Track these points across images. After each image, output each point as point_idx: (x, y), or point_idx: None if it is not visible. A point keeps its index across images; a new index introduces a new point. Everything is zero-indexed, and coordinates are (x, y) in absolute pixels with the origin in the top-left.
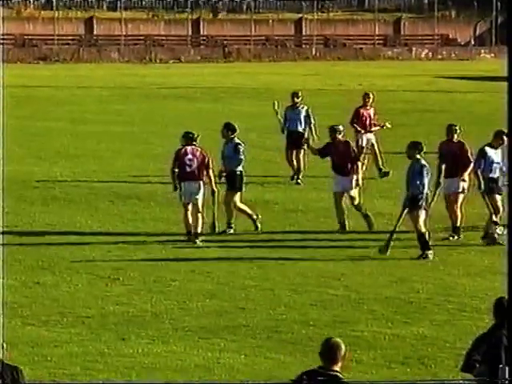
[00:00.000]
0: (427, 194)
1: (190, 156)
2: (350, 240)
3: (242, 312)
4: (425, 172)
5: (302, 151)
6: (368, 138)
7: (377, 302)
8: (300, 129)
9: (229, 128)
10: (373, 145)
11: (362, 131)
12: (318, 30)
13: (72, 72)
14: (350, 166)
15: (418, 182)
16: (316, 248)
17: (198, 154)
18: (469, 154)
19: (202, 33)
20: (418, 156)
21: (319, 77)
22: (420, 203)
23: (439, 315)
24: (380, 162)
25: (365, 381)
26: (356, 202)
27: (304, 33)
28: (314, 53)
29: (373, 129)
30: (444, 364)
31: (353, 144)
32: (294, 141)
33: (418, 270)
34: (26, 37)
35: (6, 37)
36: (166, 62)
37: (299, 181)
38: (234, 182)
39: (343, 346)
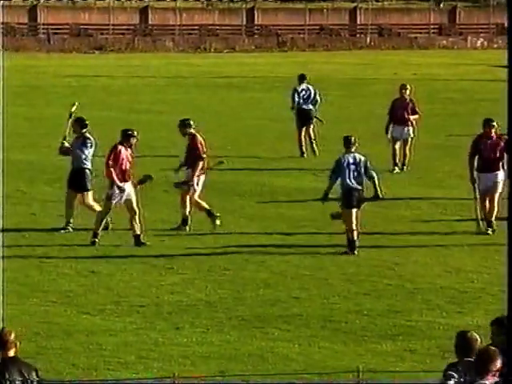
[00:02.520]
0: (361, 190)
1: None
2: (404, 229)
3: (296, 301)
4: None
5: (312, 126)
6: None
7: (431, 292)
8: (310, 107)
9: (79, 123)
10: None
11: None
12: (373, 19)
13: (126, 62)
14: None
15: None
16: (370, 237)
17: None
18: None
19: (256, 22)
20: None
21: (373, 66)
22: (351, 200)
23: (494, 305)
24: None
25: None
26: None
27: (358, 22)
28: (368, 42)
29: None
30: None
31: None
32: (305, 118)
33: (473, 260)
34: (81, 26)
35: (61, 26)
36: (220, 51)
37: (305, 154)
38: (82, 180)
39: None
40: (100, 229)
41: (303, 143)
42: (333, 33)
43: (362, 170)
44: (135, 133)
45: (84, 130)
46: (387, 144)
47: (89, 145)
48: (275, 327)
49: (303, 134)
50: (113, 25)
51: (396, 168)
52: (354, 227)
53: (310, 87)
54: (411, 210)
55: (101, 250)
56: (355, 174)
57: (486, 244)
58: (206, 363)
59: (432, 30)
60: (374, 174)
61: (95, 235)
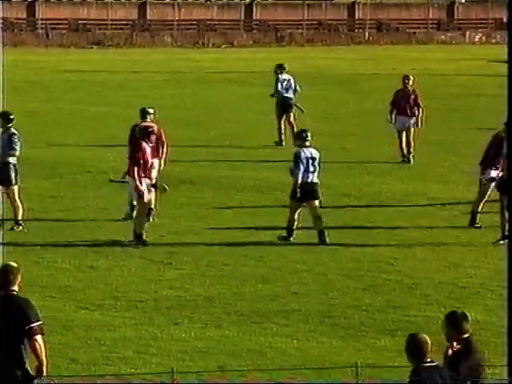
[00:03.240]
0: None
1: None
2: (403, 224)
3: (295, 297)
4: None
5: (292, 115)
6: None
7: (430, 287)
8: (291, 95)
9: (4, 118)
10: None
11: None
12: (371, 15)
13: (125, 57)
14: None
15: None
16: (368, 233)
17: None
18: None
19: (254, 17)
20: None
21: (372, 61)
22: (303, 193)
23: (492, 300)
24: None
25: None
26: None
27: (357, 17)
28: (366, 37)
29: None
30: (497, 349)
31: None
32: (286, 106)
33: (472, 255)
34: (79, 21)
35: (59, 22)
36: (218, 46)
37: (283, 143)
38: (7, 174)
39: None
40: (143, 231)
41: (283, 131)
42: (331, 28)
43: (318, 165)
44: (155, 128)
45: (9, 125)
46: (386, 139)
47: (15, 140)
48: (274, 322)
49: (283, 121)
50: (111, 20)
51: (405, 158)
52: (296, 218)
53: (290, 77)
54: (410, 205)
55: (99, 245)
56: (313, 168)
57: (485, 239)
58: (204, 358)
59: (430, 25)
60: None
61: (139, 237)
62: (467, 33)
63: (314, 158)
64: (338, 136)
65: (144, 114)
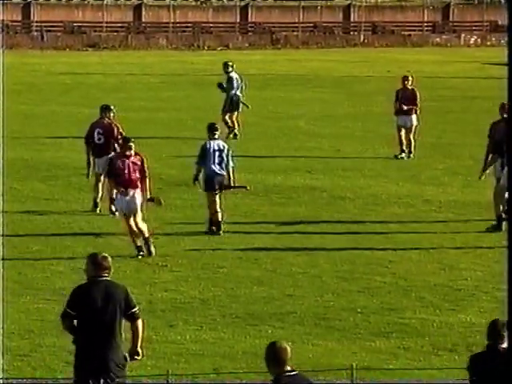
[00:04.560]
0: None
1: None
2: (398, 227)
3: (290, 299)
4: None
5: (236, 112)
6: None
7: (425, 290)
8: (239, 93)
9: None
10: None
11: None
12: (367, 17)
13: (120, 59)
14: None
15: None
16: (364, 235)
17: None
18: None
19: (249, 20)
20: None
21: (367, 63)
22: (213, 185)
23: (487, 302)
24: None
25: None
26: None
27: (352, 19)
28: (362, 39)
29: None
30: None
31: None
32: (235, 104)
33: (467, 258)
34: (74, 24)
35: (54, 24)
36: (213, 48)
37: (236, 136)
38: None
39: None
40: (137, 240)
41: (234, 125)
42: (326, 30)
43: (225, 157)
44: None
45: None
46: (381, 142)
47: None
48: (269, 325)
49: (227, 117)
50: (106, 22)
51: (403, 154)
52: (218, 209)
53: (237, 75)
54: (405, 207)
55: (94, 248)
56: (219, 159)
57: (480, 242)
58: (199, 361)
59: (426, 28)
60: (232, 164)
61: (137, 248)
62: (462, 35)
63: (221, 150)
64: (333, 138)
65: (104, 110)
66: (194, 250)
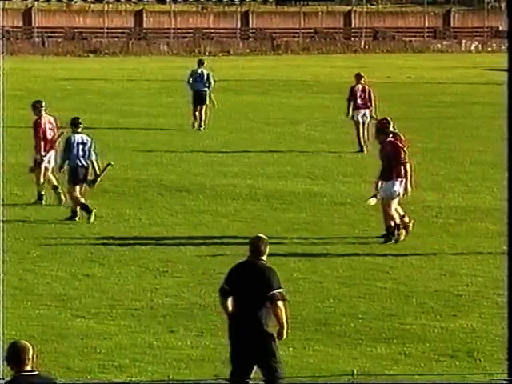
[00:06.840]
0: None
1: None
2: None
3: (291, 304)
4: None
5: (205, 106)
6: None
7: (425, 295)
8: (204, 88)
9: None
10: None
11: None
12: (367, 23)
13: (121, 65)
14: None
15: None
16: (364, 241)
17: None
18: None
19: (250, 25)
20: None
21: (368, 69)
22: (77, 177)
23: (488, 308)
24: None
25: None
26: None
27: (353, 25)
28: (362, 45)
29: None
30: (493, 357)
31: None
32: (200, 99)
33: (467, 263)
34: (75, 30)
35: (55, 30)
36: (214, 54)
37: (202, 128)
38: None
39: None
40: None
41: (197, 119)
42: (327, 36)
43: (87, 150)
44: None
45: None
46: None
47: None
48: None
49: (197, 113)
50: (107, 28)
51: (364, 149)
52: (79, 199)
53: (205, 71)
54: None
55: (95, 254)
56: (82, 152)
57: (481, 247)
58: (200, 366)
59: (426, 34)
60: (94, 157)
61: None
62: (463, 41)
63: (84, 144)
64: (334, 143)
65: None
66: (195, 255)
